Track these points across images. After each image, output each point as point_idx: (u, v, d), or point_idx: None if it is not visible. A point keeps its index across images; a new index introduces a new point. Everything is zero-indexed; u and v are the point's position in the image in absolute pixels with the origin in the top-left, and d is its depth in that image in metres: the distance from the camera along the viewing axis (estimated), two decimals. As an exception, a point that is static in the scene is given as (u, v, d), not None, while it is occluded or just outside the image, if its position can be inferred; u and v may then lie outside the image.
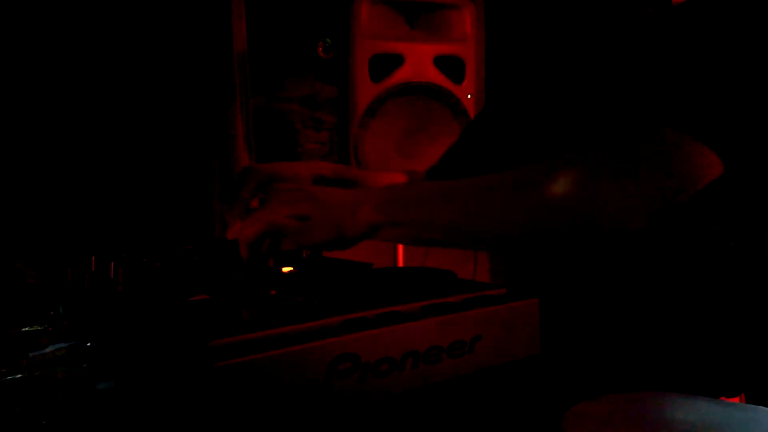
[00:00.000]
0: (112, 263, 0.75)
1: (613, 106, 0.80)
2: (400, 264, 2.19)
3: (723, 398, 0.89)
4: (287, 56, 2.34)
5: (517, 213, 0.71)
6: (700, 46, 0.73)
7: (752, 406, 0.52)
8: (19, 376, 0.57)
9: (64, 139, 1.95)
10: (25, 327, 0.66)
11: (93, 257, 0.80)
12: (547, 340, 0.68)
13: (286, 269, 0.80)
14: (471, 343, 0.61)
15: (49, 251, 1.74)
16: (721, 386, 0.95)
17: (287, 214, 0.71)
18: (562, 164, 0.71)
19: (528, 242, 0.74)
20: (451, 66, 2.10)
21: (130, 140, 2.04)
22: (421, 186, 0.74)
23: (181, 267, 0.81)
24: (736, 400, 0.91)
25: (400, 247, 2.23)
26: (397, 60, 2.05)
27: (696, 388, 0.88)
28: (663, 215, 0.69)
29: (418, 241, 0.75)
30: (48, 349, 0.60)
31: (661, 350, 0.90)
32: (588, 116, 0.86)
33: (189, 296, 0.65)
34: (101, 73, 1.99)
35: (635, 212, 0.67)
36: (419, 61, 2.06)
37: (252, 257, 0.73)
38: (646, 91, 0.75)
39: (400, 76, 2.04)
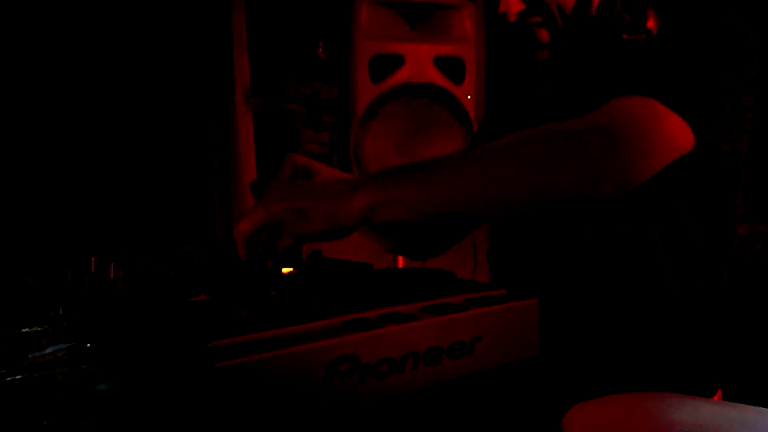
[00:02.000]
0: (112, 264, 0.75)
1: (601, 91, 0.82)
2: (400, 265, 2.19)
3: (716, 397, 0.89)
4: (288, 56, 2.34)
5: (516, 179, 0.71)
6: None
7: (752, 407, 0.52)
8: (18, 377, 0.57)
9: (64, 140, 1.95)
10: (25, 328, 0.66)
11: (93, 258, 0.81)
12: (547, 341, 0.68)
13: (286, 270, 0.80)
14: (471, 343, 0.61)
15: (49, 252, 1.74)
16: (719, 385, 0.95)
17: (283, 207, 0.71)
18: (560, 133, 0.72)
19: (520, 208, 0.74)
20: (451, 66, 2.10)
21: (130, 141, 2.04)
22: (412, 163, 0.74)
23: (182, 268, 0.81)
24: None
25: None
26: (397, 60, 2.05)
27: (695, 388, 0.89)
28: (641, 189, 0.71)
29: (414, 217, 0.74)
30: (48, 350, 0.60)
31: (660, 350, 0.90)
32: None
33: (189, 297, 0.65)
34: (102, 74, 1.99)
35: (614, 178, 0.70)
36: (419, 62, 2.06)
37: (250, 256, 0.73)
38: (628, 74, 0.80)
39: (400, 76, 2.04)
